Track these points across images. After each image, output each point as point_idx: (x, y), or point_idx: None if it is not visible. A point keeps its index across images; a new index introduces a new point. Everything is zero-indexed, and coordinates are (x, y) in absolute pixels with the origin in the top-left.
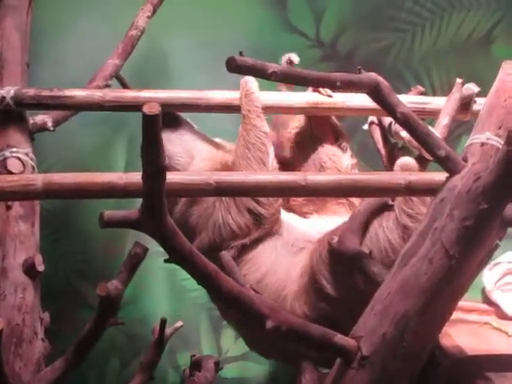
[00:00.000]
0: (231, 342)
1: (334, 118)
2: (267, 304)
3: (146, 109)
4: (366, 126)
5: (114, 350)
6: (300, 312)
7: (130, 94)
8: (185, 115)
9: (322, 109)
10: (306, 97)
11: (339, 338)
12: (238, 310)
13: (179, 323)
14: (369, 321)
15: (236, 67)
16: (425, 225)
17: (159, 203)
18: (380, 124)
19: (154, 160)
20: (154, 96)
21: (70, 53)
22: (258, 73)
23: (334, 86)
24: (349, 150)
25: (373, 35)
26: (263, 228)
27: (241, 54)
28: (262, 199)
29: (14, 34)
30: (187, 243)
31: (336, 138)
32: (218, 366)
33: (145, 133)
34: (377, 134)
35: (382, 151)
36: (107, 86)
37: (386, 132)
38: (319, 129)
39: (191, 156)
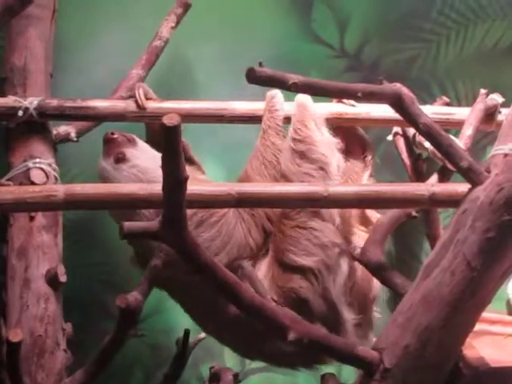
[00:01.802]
0: None
1: (360, 129)
2: (289, 315)
3: (165, 120)
4: (390, 137)
5: (137, 362)
6: None
7: (152, 105)
8: (208, 126)
9: (346, 119)
10: (330, 107)
11: (361, 350)
12: (259, 320)
13: (202, 334)
14: (391, 333)
15: (255, 78)
16: (447, 236)
17: (179, 214)
18: (404, 135)
19: (173, 171)
20: (177, 107)
21: (94, 63)
22: (278, 83)
23: (355, 97)
24: (371, 165)
25: (398, 45)
26: (267, 245)
27: (260, 64)
28: (273, 216)
29: (38, 44)
30: (207, 254)
31: (363, 149)
32: (236, 378)
33: (165, 144)
34: (401, 144)
35: (407, 162)
36: (131, 96)
37: (410, 143)
38: (346, 140)
39: None
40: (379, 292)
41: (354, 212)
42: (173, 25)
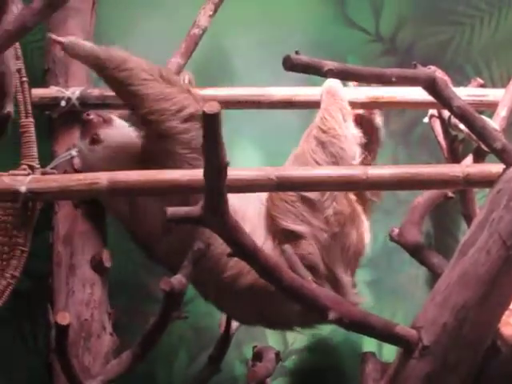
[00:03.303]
0: (297, 334)
1: (379, 121)
2: (329, 296)
3: (206, 108)
4: (426, 119)
5: (182, 344)
6: None
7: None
8: (247, 112)
9: (383, 103)
10: (367, 92)
11: (400, 329)
12: (300, 301)
13: None
14: (429, 311)
15: (292, 66)
16: (483, 216)
17: (221, 200)
18: (440, 117)
19: (214, 158)
20: (216, 94)
21: (134, 52)
22: (314, 71)
23: (390, 82)
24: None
25: (432, 29)
26: None
27: (297, 52)
28: None
29: (78, 35)
30: (249, 238)
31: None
32: (278, 356)
33: (205, 131)
34: (437, 126)
35: (443, 144)
36: None
37: (446, 125)
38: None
39: None
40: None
41: None
42: (210, 13)
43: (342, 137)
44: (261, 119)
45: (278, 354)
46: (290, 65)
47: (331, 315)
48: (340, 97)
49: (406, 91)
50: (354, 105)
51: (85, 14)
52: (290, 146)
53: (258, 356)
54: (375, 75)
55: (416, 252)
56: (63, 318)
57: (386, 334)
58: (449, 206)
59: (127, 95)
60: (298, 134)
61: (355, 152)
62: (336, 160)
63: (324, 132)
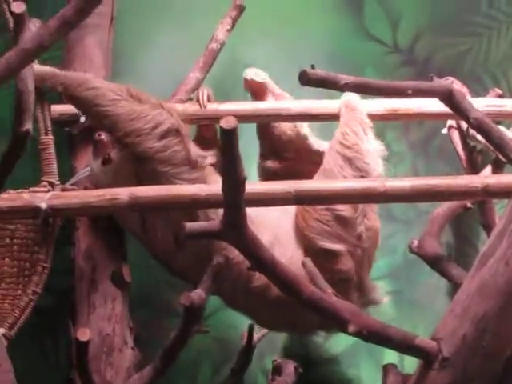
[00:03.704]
0: (319, 346)
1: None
2: (349, 308)
3: (223, 123)
4: (444, 130)
5: (205, 357)
6: None
7: (210, 107)
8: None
9: (401, 115)
10: (385, 103)
11: (420, 341)
12: (319, 314)
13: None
14: (449, 322)
15: (308, 80)
16: (502, 226)
17: (239, 214)
18: (458, 128)
19: (233, 172)
20: (234, 109)
21: (152, 67)
22: (330, 85)
23: (405, 95)
24: None
25: (450, 40)
26: None
27: (312, 66)
28: None
29: (96, 51)
30: (268, 252)
31: None
32: (297, 370)
33: (223, 147)
34: (456, 137)
35: (462, 154)
36: (190, 99)
37: (464, 135)
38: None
39: None
40: None
41: None
42: (228, 27)
43: (365, 151)
44: None
45: (297, 368)
46: (305, 79)
47: (351, 328)
48: (359, 110)
49: (424, 103)
50: (372, 117)
51: (103, 30)
52: None
53: (277, 370)
54: (391, 88)
55: (435, 263)
56: (83, 334)
57: (405, 346)
58: (468, 216)
59: (97, 116)
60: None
61: (379, 165)
62: (363, 174)
63: (348, 148)
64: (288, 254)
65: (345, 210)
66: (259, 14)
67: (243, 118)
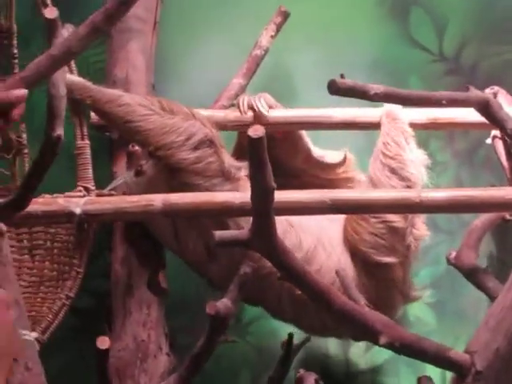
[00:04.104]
0: (360, 354)
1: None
2: (381, 320)
3: (251, 132)
4: (489, 140)
5: (244, 365)
6: None
7: (251, 114)
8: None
9: (443, 124)
10: (427, 113)
11: (453, 353)
12: (351, 325)
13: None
14: (483, 335)
15: (337, 89)
16: None
17: (268, 222)
18: (503, 138)
19: (261, 181)
20: (275, 115)
21: (195, 73)
22: (359, 94)
23: (440, 105)
24: None
25: (496, 48)
26: None
27: (342, 76)
28: None
29: (139, 57)
30: (298, 261)
31: None
32: (317, 383)
33: (250, 155)
34: (500, 147)
35: (505, 164)
36: (232, 105)
37: (508, 145)
38: None
39: None
40: None
41: None
42: (272, 34)
43: (408, 161)
44: (322, 140)
45: (317, 380)
46: (335, 89)
47: (382, 339)
48: (401, 120)
49: (466, 112)
50: (414, 126)
51: (146, 35)
52: None
53: (299, 382)
54: (423, 98)
55: (471, 275)
56: (103, 342)
57: (438, 359)
58: (509, 227)
59: (129, 132)
60: (356, 155)
61: (423, 174)
62: (409, 184)
63: (391, 158)
64: (334, 257)
65: (398, 221)
66: (303, 21)
67: (285, 125)
